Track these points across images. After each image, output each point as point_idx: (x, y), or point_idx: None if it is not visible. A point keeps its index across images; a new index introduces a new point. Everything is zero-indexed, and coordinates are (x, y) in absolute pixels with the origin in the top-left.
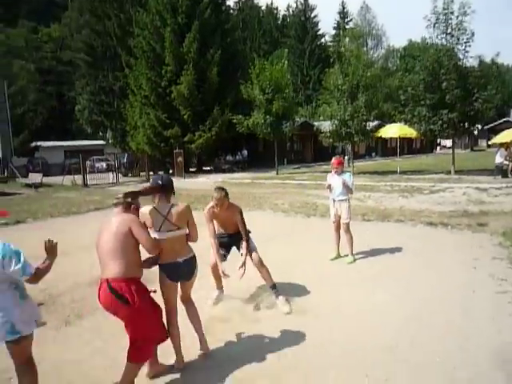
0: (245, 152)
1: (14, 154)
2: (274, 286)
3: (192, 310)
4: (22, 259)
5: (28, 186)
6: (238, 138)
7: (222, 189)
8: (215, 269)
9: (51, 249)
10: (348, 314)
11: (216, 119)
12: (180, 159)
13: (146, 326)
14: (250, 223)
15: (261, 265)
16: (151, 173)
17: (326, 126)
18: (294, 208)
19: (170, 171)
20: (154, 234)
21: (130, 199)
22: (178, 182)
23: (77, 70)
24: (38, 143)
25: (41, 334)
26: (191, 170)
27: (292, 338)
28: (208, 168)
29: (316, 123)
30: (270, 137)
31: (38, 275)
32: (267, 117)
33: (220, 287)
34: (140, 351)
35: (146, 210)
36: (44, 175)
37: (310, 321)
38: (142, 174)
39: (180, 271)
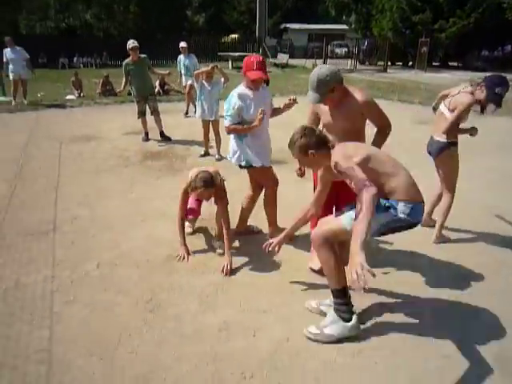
0: (508, 47)
1: (267, 34)
2: None
3: None
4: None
5: (275, 65)
6: (501, 29)
7: None
8: None
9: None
10: None
11: (479, 2)
12: (424, 49)
13: None
14: None
15: None
16: (389, 63)
17: None
18: None
19: (410, 63)
20: None
21: None
22: (417, 76)
23: None
24: (287, 25)
25: None
26: (434, 63)
27: None
28: (455, 64)
29: None
30: None
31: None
32: None
33: None
34: None
35: None
36: (289, 56)
37: None
38: (379, 63)
39: None
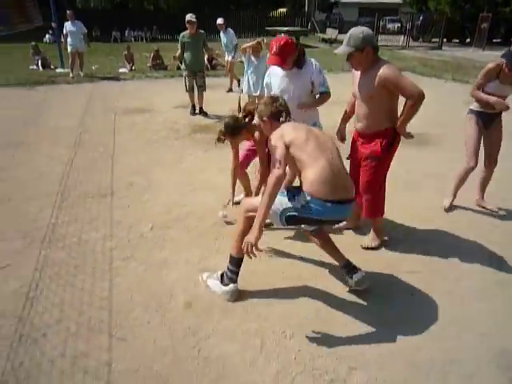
0: None
1: (316, 8)
2: None
3: None
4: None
5: (324, 40)
6: None
7: None
8: None
9: None
10: None
11: None
12: (484, 25)
13: None
14: None
15: None
16: (444, 39)
17: None
18: None
19: (467, 40)
20: None
21: None
22: (474, 54)
23: None
24: None
25: None
26: (494, 40)
27: None
28: None
29: None
30: None
31: None
32: None
33: None
34: None
35: None
36: (338, 32)
37: None
38: (434, 39)
39: None
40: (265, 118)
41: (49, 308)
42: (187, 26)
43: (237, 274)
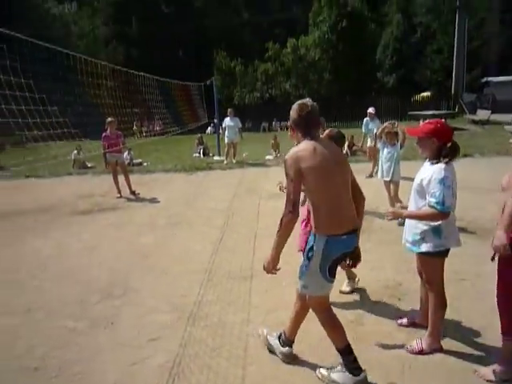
0: None
1: (464, 89)
2: None
3: None
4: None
5: (474, 122)
6: None
7: None
8: None
9: None
10: None
11: None
12: None
13: None
14: None
15: None
16: None
17: None
18: None
19: None
20: None
21: None
22: None
23: None
24: (489, 78)
25: None
26: None
27: None
28: None
29: None
30: None
31: None
32: None
33: None
34: None
35: None
36: (492, 112)
37: None
38: None
39: None
40: (292, 125)
41: None
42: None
43: (354, 360)
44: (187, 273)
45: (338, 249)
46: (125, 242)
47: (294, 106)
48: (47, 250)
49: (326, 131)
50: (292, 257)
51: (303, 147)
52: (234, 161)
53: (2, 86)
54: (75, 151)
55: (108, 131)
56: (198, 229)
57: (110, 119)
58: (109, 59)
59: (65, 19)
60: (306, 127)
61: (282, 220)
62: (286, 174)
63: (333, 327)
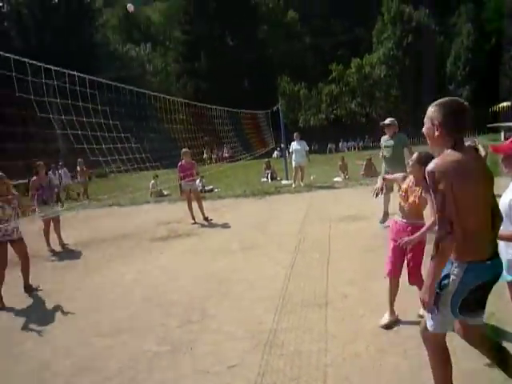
0: None
1: None
2: None
3: None
4: None
5: None
6: None
7: None
8: None
9: None
10: None
11: None
12: None
13: None
14: None
15: None
16: None
17: None
18: None
19: None
20: None
21: None
22: None
23: None
24: None
25: None
26: None
27: None
28: None
29: None
30: None
31: None
32: None
33: None
34: None
35: None
36: None
37: None
38: None
39: None
40: (436, 123)
41: None
42: (385, 129)
43: None
44: (262, 299)
45: (479, 277)
46: (201, 267)
47: (445, 103)
48: (131, 275)
49: (415, 154)
50: (369, 282)
51: (452, 158)
52: (302, 184)
53: (93, 128)
54: (152, 181)
55: (183, 161)
56: (270, 253)
57: (184, 150)
58: (180, 93)
59: (140, 59)
60: (458, 132)
61: (437, 244)
62: (433, 190)
63: (441, 364)
